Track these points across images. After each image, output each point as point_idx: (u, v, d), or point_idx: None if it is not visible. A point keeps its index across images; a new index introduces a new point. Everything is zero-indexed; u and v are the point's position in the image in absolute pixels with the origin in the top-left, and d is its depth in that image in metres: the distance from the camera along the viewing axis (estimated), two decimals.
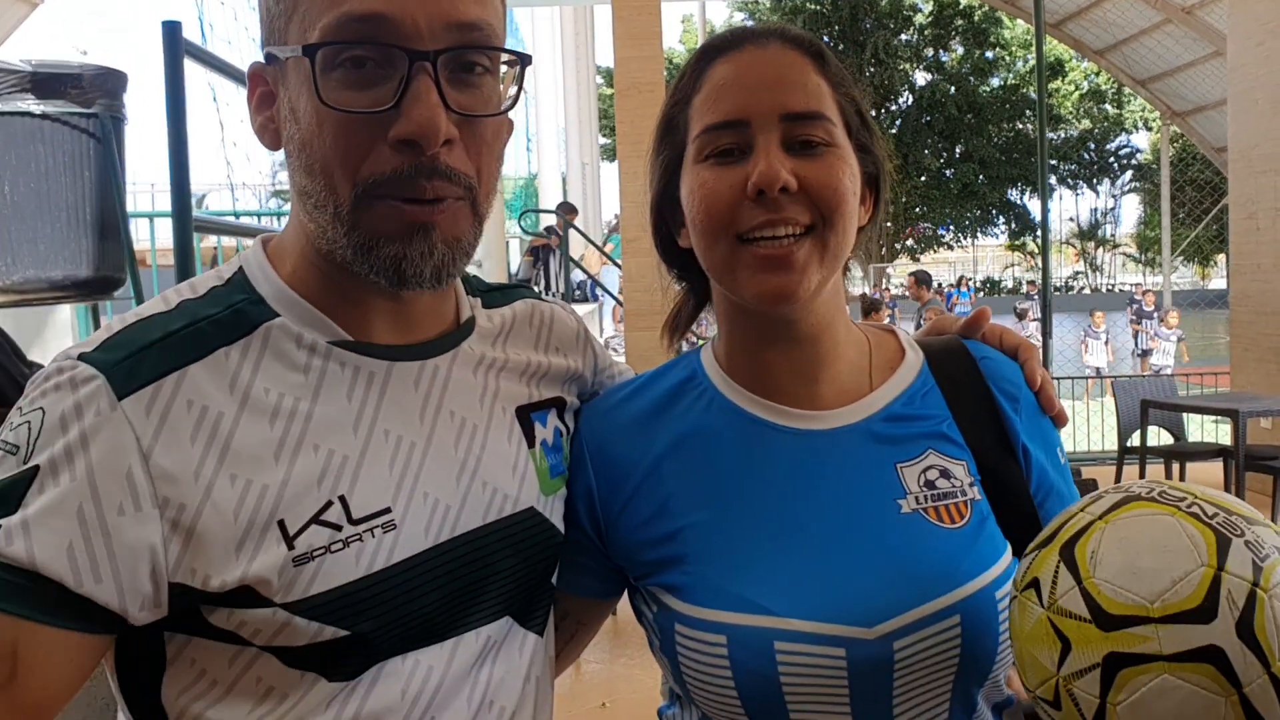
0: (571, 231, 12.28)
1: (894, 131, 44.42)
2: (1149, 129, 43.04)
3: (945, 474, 1.10)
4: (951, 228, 48.26)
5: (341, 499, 0.93)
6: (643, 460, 1.14)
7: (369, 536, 0.94)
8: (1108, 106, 44.57)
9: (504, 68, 0.99)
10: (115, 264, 3.77)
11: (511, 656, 1.05)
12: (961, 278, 37.90)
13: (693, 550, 1.08)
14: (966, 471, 1.11)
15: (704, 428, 1.14)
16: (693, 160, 1.08)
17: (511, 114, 1.01)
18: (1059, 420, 1.19)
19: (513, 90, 1.00)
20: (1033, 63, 37.70)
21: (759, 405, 1.13)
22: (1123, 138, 46.22)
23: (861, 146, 1.11)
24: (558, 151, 21.28)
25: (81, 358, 0.89)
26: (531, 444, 1.10)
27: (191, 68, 3.26)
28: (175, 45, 3.06)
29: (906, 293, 14.07)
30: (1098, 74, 40.37)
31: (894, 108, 45.19)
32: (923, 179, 44.68)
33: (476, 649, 1.01)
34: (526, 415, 1.11)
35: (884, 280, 41.77)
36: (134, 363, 0.89)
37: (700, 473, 1.12)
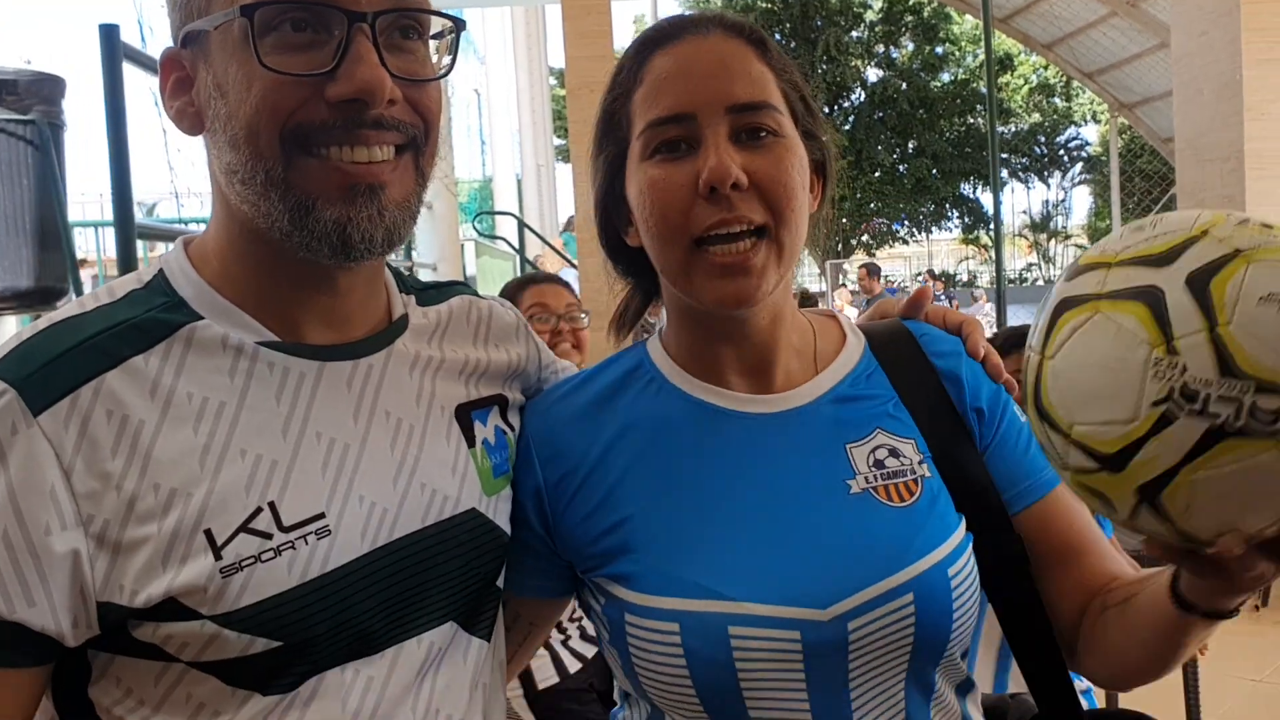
0: (528, 233, 12.23)
1: (847, 128, 44.67)
2: (1097, 121, 43.62)
3: (894, 453, 1.09)
4: (906, 222, 48.64)
5: (271, 505, 0.90)
6: (589, 450, 1.12)
7: (301, 544, 0.90)
8: (1057, 100, 45.11)
9: (435, 36, 0.97)
10: (57, 274, 3.70)
11: (456, 663, 1.02)
12: (931, 272, 38.20)
13: (641, 538, 1.07)
14: (915, 449, 1.10)
15: (652, 414, 1.12)
16: (639, 157, 1.06)
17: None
18: (1009, 388, 1.18)
19: (446, 58, 0.98)
20: (982, 58, 38.11)
21: (708, 391, 1.12)
22: (1072, 130, 46.82)
23: (807, 133, 1.10)
24: (512, 154, 21.19)
25: None
26: (472, 443, 1.07)
27: (136, 74, 3.20)
28: (113, 49, 3.00)
29: (859, 285, 14.28)
30: (1046, 68, 40.87)
31: (846, 104, 45.46)
32: (876, 174, 44.99)
33: (420, 657, 0.98)
34: (466, 414, 1.09)
35: (840, 275, 42.06)
36: (47, 374, 0.85)
37: (648, 460, 1.10)
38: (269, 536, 0.89)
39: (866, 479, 1.07)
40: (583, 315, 2.99)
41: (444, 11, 0.97)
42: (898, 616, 1.01)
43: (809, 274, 53.01)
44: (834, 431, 1.10)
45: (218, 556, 0.87)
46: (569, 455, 1.12)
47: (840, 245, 46.61)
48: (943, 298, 27.68)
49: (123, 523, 0.85)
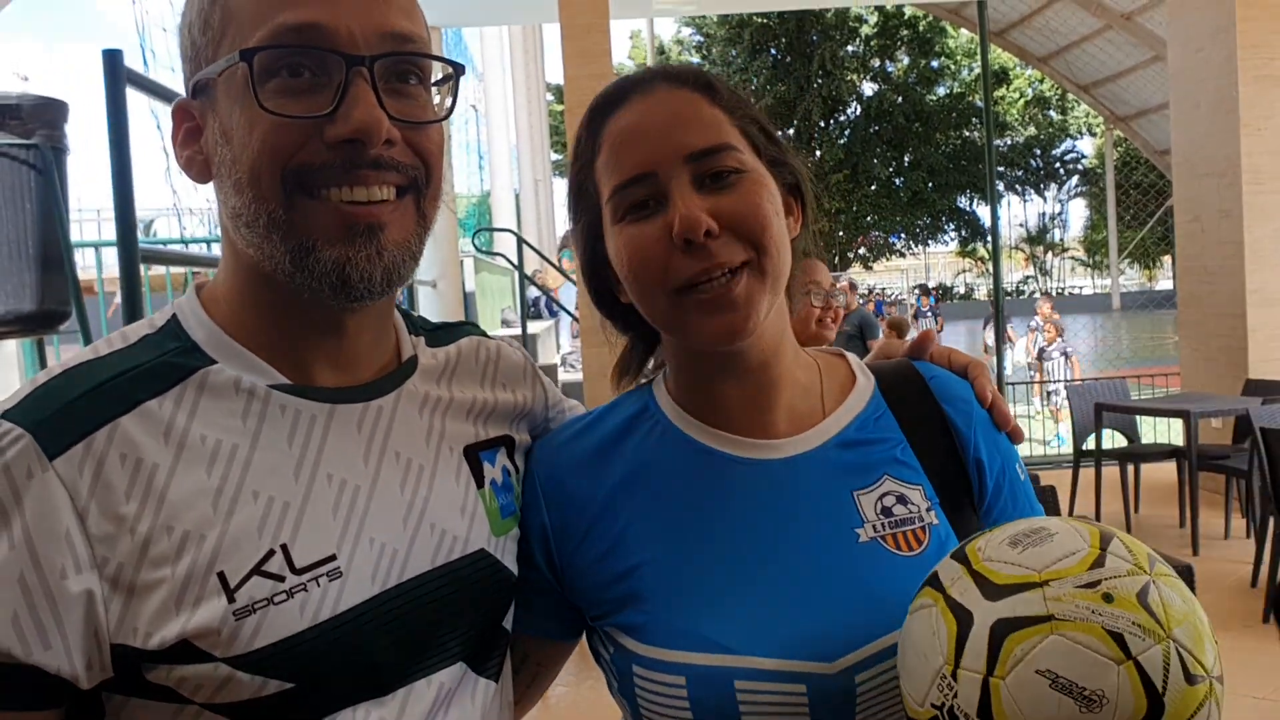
0: (527, 248, 12.24)
1: (843, 141, 44.83)
2: (1093, 134, 43.76)
3: (902, 500, 1.09)
4: (903, 235, 48.73)
5: (283, 548, 0.90)
6: (596, 495, 1.11)
7: (313, 586, 0.91)
8: (1052, 113, 45.27)
9: (437, 83, 0.99)
10: (60, 298, 3.69)
11: (465, 704, 1.02)
12: (924, 287, 38.33)
13: (649, 588, 1.06)
14: (923, 496, 1.10)
15: (658, 460, 1.12)
16: (611, 222, 1.06)
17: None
18: (1014, 436, 1.18)
19: (448, 101, 0.99)
20: (978, 71, 38.24)
21: (713, 436, 1.12)
22: (1068, 143, 46.96)
23: (774, 161, 1.09)
24: (510, 169, 21.23)
25: (5, 416, 0.86)
26: (481, 484, 1.08)
27: (136, 94, 3.21)
28: (117, 74, 3.01)
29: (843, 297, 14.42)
30: (1041, 81, 41.01)
31: (842, 118, 45.58)
32: (873, 188, 45.11)
33: (430, 698, 0.98)
34: (475, 454, 1.09)
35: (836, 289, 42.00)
36: (62, 419, 0.86)
37: (655, 507, 1.10)
38: (281, 579, 0.90)
39: (875, 527, 1.07)
40: (840, 294, 3.28)
41: (444, 57, 0.98)
42: None
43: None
44: (841, 478, 1.09)
45: (231, 599, 0.87)
46: (576, 500, 1.12)
47: (837, 258, 46.68)
48: (928, 314, 27.67)
49: (137, 565, 0.85)
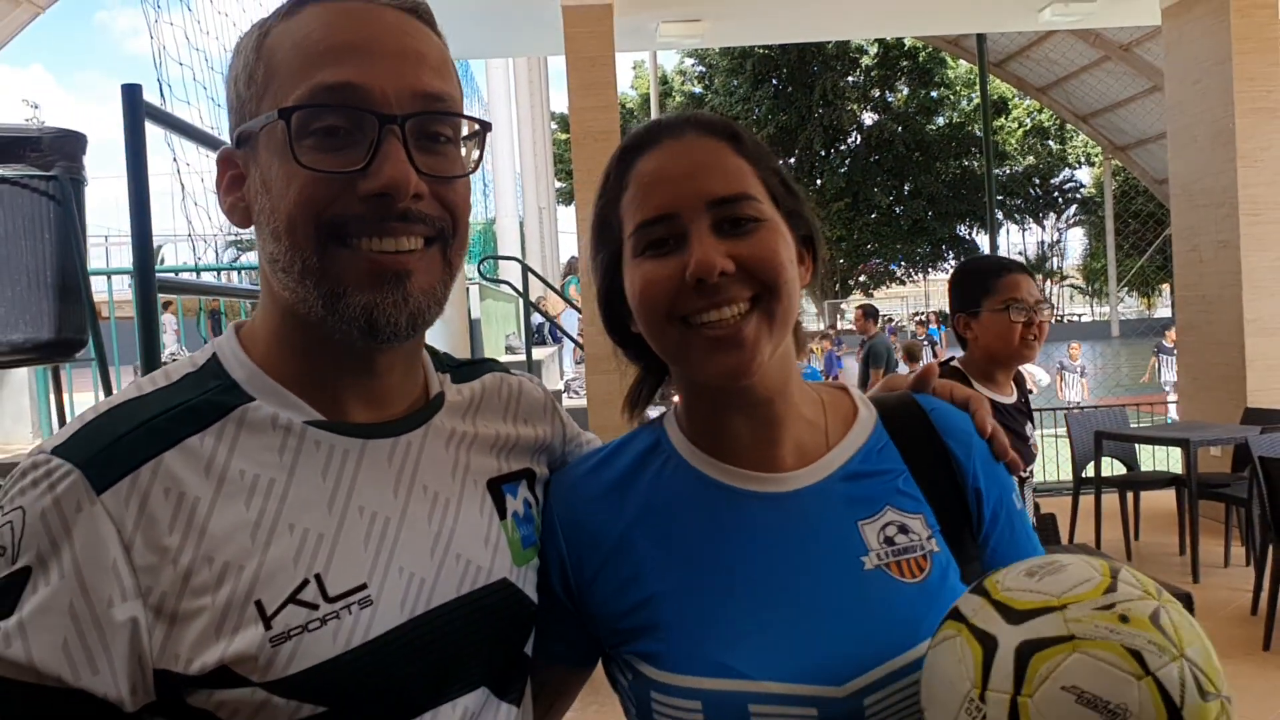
0: (531, 276, 12.32)
1: (844, 170, 45.01)
2: (1091, 164, 43.93)
3: (904, 529, 1.13)
4: (903, 263, 48.87)
5: (317, 577, 0.95)
6: (612, 529, 1.16)
7: (345, 614, 0.95)
8: (1051, 142, 45.49)
9: (466, 138, 1.04)
10: (77, 326, 3.76)
11: None
12: (932, 313, 38.16)
13: (665, 617, 1.11)
14: (924, 524, 1.14)
15: (670, 495, 1.17)
16: (631, 256, 1.11)
17: (469, 161, 1.05)
18: (1012, 467, 1.22)
19: (475, 155, 1.05)
20: (977, 101, 38.43)
21: (722, 470, 1.16)
22: (1066, 172, 47.16)
23: (791, 213, 1.15)
24: (514, 196, 21.33)
25: (55, 452, 0.91)
26: (503, 515, 1.12)
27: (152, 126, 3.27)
28: (136, 109, 3.07)
29: (855, 326, 14.32)
30: (1040, 111, 41.23)
31: (843, 147, 45.80)
32: (873, 216, 45.28)
33: None
34: (498, 487, 1.14)
35: (838, 316, 42.16)
36: (109, 455, 0.91)
37: (669, 540, 1.14)
38: (315, 607, 0.94)
39: (879, 555, 1.11)
40: (1046, 307, 3.02)
41: (472, 115, 1.04)
42: (913, 691, 1.04)
43: (808, 314, 53.08)
44: (846, 509, 1.14)
45: (268, 626, 0.92)
46: (592, 533, 1.17)
47: (838, 285, 46.79)
48: (936, 331, 27.56)
49: (179, 594, 0.90)
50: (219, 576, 0.91)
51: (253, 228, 1.02)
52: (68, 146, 3.74)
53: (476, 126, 1.05)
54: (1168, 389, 17.65)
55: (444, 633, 1.02)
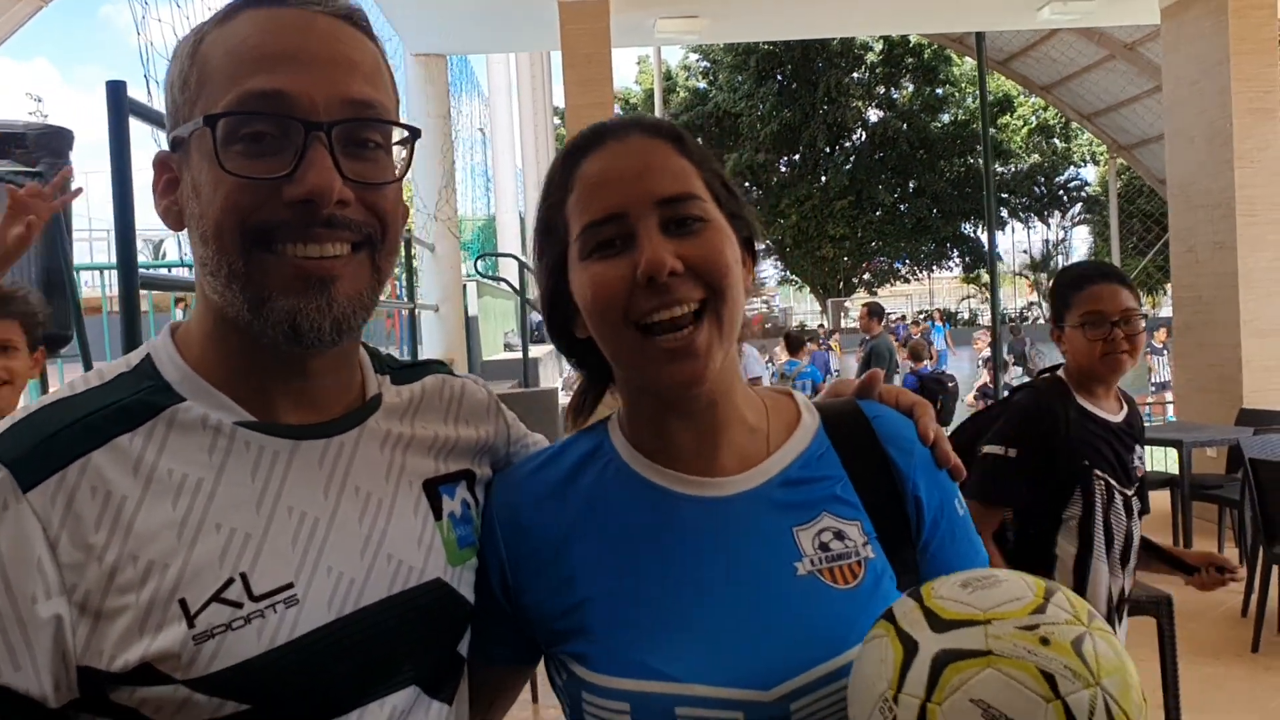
0: (529, 273, 12.31)
1: (848, 167, 44.97)
2: (1096, 162, 43.86)
3: (839, 535, 1.14)
4: (907, 261, 48.81)
5: (243, 576, 0.96)
6: (551, 531, 1.17)
7: (270, 612, 0.96)
8: (1056, 141, 45.40)
9: (399, 142, 1.05)
10: (62, 322, 3.77)
11: None
12: (936, 311, 38.00)
13: (598, 619, 1.12)
14: (861, 531, 1.15)
15: (609, 497, 1.17)
16: (578, 258, 1.12)
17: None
18: (955, 474, 1.23)
19: (401, 162, 1.06)
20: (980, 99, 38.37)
21: (661, 474, 1.17)
22: (1071, 171, 47.08)
23: (732, 215, 1.15)
24: (515, 192, 21.35)
25: None
26: (439, 516, 1.13)
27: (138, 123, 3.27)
28: (120, 105, 3.07)
29: (859, 325, 14.24)
30: (1045, 109, 41.18)
31: (847, 144, 45.76)
32: (877, 214, 45.22)
33: (382, 719, 1.03)
34: (434, 488, 1.14)
35: (842, 314, 42.18)
36: (37, 453, 0.92)
37: (606, 542, 1.15)
38: (239, 605, 0.95)
39: (812, 561, 1.12)
40: (1141, 318, 2.76)
41: (400, 122, 1.05)
42: (840, 697, 1.05)
43: (811, 311, 53.06)
44: (782, 515, 1.15)
45: (191, 624, 0.93)
46: (532, 535, 1.17)
47: (841, 284, 46.77)
48: (941, 329, 27.42)
49: (104, 592, 0.91)
50: (143, 575, 0.92)
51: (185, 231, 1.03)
52: (53, 143, 3.75)
53: (407, 133, 1.05)
54: (1153, 389, 17.67)
55: (373, 632, 1.03)
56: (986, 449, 2.82)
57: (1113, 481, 2.76)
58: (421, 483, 1.13)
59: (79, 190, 2.70)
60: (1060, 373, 2.93)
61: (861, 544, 1.14)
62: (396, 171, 1.05)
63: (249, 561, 0.97)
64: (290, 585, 0.98)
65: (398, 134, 1.05)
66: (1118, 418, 2.86)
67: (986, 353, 16.83)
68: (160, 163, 1.04)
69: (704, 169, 1.14)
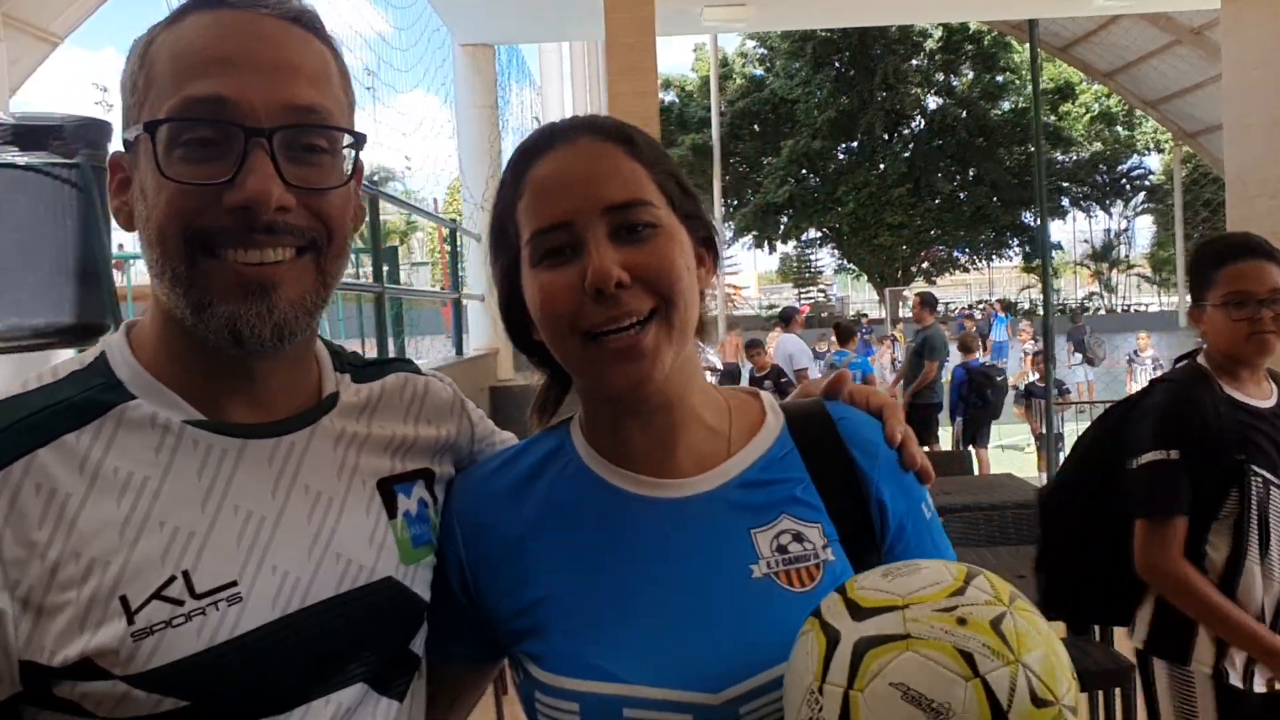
0: None
1: (905, 155, 44.50)
2: (1161, 150, 42.94)
3: (798, 538, 1.12)
4: (966, 250, 48.22)
5: (185, 574, 0.97)
6: (509, 531, 1.17)
7: (212, 610, 0.97)
8: (1119, 128, 44.51)
9: (348, 146, 1.05)
10: (97, 311, 3.83)
11: None
12: (996, 300, 37.30)
13: (551, 619, 1.11)
14: (821, 534, 1.13)
15: (567, 498, 1.17)
16: (529, 265, 1.10)
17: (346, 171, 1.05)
18: (923, 476, 1.20)
19: (347, 167, 1.06)
20: (1042, 86, 37.71)
21: (618, 475, 1.16)
22: (1135, 159, 46.14)
23: (688, 215, 1.14)
24: None
25: None
26: (393, 515, 1.13)
27: None
28: None
29: (912, 314, 14.03)
30: (1108, 96, 40.37)
31: (905, 132, 45.26)
32: (936, 202, 44.70)
33: (327, 715, 1.04)
34: (389, 487, 1.14)
35: (900, 303, 41.75)
36: None
37: (562, 543, 1.15)
38: (180, 603, 0.96)
39: (769, 564, 1.11)
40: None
41: (344, 127, 1.05)
42: None
43: (869, 300, 52.64)
44: (739, 516, 1.13)
45: (130, 621, 0.94)
46: (490, 534, 1.17)
47: (900, 272, 46.34)
48: (1002, 320, 26.90)
49: (46, 588, 0.93)
50: (85, 571, 0.94)
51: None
52: (91, 134, 3.80)
53: (352, 139, 1.05)
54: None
55: (319, 630, 1.03)
56: (1144, 459, 2.55)
57: (1270, 476, 2.50)
58: (376, 481, 1.13)
59: None
60: (1200, 359, 2.69)
61: (821, 546, 1.12)
62: (344, 176, 1.05)
63: (191, 559, 0.98)
64: (234, 583, 0.99)
65: (346, 138, 1.05)
66: (1269, 403, 2.61)
67: (1030, 345, 16.45)
68: (114, 163, 1.05)
69: (656, 171, 1.12)
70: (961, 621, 0.88)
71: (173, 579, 0.96)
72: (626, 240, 1.07)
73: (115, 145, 3.51)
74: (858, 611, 0.93)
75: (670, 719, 1.04)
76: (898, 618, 0.90)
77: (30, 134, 3.70)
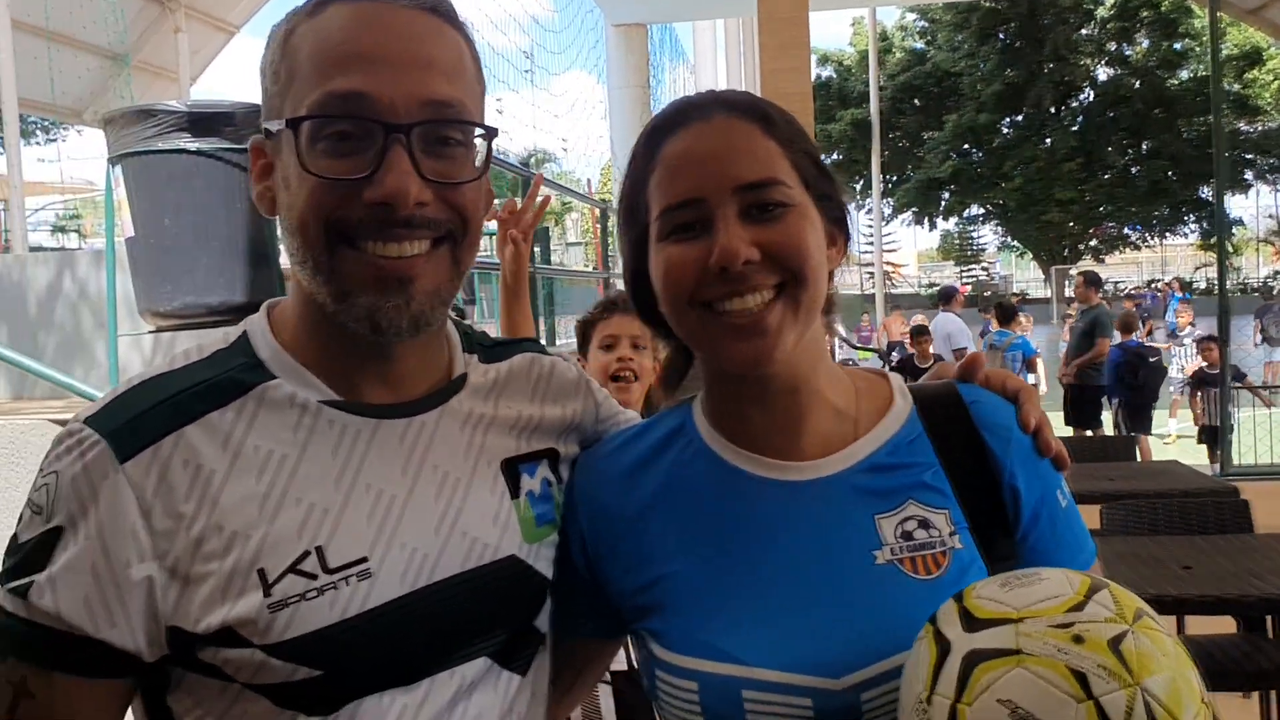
0: None
1: (1075, 129, 42.71)
2: None
3: (924, 524, 1.10)
4: (1138, 227, 46.05)
5: (319, 549, 1.01)
6: (630, 509, 1.18)
7: (343, 584, 1.01)
8: None
9: (480, 135, 1.07)
10: (267, 290, 4.03)
11: (488, 694, 1.10)
12: (1172, 280, 35.43)
13: (671, 598, 1.12)
14: (948, 521, 1.11)
15: (688, 478, 1.17)
16: (656, 239, 1.10)
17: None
18: (1059, 462, 1.17)
19: (479, 159, 1.08)
20: (1227, 52, 35.53)
21: (740, 456, 1.16)
22: None
23: (822, 195, 1.12)
24: None
25: (88, 421, 1.00)
26: (516, 494, 1.15)
27: None
28: None
29: (1075, 294, 13.46)
30: None
31: (1074, 104, 43.43)
32: (1106, 177, 42.78)
33: (452, 687, 1.07)
34: (513, 467, 1.17)
35: (1066, 282, 40.20)
36: (134, 426, 0.99)
37: (682, 522, 1.15)
38: (314, 577, 1.00)
39: (893, 550, 1.09)
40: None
41: (478, 122, 1.07)
42: None
43: (1034, 279, 50.82)
44: (864, 502, 1.12)
45: (267, 594, 0.98)
46: (610, 512, 1.19)
47: (1066, 251, 44.61)
48: (1178, 298, 25.55)
49: (191, 559, 0.98)
50: (227, 544, 0.99)
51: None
52: (260, 120, 3.97)
53: (485, 132, 1.07)
54: None
55: (445, 606, 1.06)
56: None
57: None
58: (500, 462, 1.16)
59: (548, 198, 2.82)
60: None
61: (948, 534, 1.10)
62: (478, 168, 1.07)
63: (326, 535, 1.02)
64: (364, 559, 1.02)
65: (479, 130, 1.07)
66: None
67: (1190, 329, 15.32)
68: (255, 149, 1.10)
69: (792, 149, 1.10)
70: (1078, 640, 0.85)
71: (307, 554, 1.00)
72: (757, 219, 1.06)
73: None
74: (971, 622, 0.91)
75: (790, 702, 1.04)
76: (1010, 632, 0.87)
77: (202, 121, 3.91)
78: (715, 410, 1.19)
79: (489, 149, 1.09)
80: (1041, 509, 1.14)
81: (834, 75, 44.68)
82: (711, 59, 19.19)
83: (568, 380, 1.28)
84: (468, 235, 1.07)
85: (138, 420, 1.00)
